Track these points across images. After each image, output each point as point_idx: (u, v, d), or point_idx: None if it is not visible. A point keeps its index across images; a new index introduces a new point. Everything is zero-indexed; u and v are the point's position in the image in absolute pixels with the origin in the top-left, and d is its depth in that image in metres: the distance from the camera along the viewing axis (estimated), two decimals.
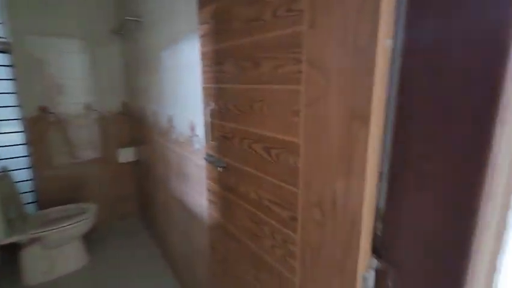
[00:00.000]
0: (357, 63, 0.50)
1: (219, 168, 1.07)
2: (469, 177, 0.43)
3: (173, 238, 1.89)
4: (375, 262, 0.59)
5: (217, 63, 1.00)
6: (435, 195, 0.49)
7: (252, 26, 0.79)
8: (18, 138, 2.20)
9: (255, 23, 0.78)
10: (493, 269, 0.48)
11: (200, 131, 1.25)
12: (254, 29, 0.78)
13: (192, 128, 1.34)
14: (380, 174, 0.56)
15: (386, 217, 0.57)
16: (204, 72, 1.08)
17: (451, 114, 0.45)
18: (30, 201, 2.30)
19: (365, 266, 0.58)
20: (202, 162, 1.23)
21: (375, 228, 0.58)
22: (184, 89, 1.39)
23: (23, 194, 2.17)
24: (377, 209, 0.57)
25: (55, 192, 2.33)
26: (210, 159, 1.12)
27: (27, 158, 2.23)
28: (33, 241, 1.84)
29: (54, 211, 2.13)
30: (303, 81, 0.64)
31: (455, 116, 0.45)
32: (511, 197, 0.44)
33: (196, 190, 1.39)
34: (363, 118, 0.50)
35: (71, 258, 2.05)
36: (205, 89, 1.09)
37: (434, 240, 0.50)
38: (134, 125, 2.49)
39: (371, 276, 0.59)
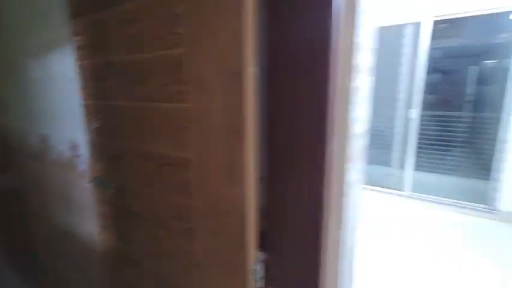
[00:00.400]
0: (230, 85, 0.58)
1: (109, 190, 0.99)
2: (315, 177, 0.57)
3: (59, 276, 1.60)
4: (262, 255, 0.69)
5: (100, 79, 0.93)
6: (299, 193, 0.61)
7: (135, 43, 0.79)
8: None
9: (138, 41, 0.78)
10: (338, 242, 0.64)
11: (84, 151, 1.12)
12: (138, 47, 0.78)
13: (74, 148, 1.19)
14: (260, 179, 0.65)
15: (268, 215, 0.67)
16: (85, 87, 0.99)
17: (299, 127, 0.58)
18: None
19: (254, 259, 0.67)
20: (89, 185, 1.11)
21: (261, 226, 0.67)
22: (61, 105, 1.22)
23: None
24: (261, 209, 0.67)
25: None
26: (98, 181, 1.02)
27: None
28: None
29: None
30: (189, 99, 0.68)
31: (303, 128, 0.58)
32: (343, 187, 0.61)
33: (85, 216, 1.23)
34: (238, 133, 0.58)
35: None
36: (86, 105, 1.00)
37: (301, 229, 0.63)
38: None
39: (259, 267, 0.68)
